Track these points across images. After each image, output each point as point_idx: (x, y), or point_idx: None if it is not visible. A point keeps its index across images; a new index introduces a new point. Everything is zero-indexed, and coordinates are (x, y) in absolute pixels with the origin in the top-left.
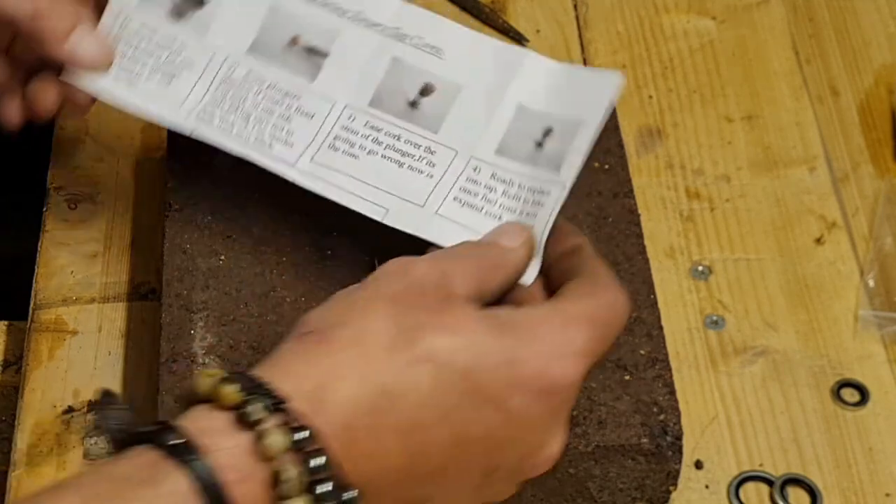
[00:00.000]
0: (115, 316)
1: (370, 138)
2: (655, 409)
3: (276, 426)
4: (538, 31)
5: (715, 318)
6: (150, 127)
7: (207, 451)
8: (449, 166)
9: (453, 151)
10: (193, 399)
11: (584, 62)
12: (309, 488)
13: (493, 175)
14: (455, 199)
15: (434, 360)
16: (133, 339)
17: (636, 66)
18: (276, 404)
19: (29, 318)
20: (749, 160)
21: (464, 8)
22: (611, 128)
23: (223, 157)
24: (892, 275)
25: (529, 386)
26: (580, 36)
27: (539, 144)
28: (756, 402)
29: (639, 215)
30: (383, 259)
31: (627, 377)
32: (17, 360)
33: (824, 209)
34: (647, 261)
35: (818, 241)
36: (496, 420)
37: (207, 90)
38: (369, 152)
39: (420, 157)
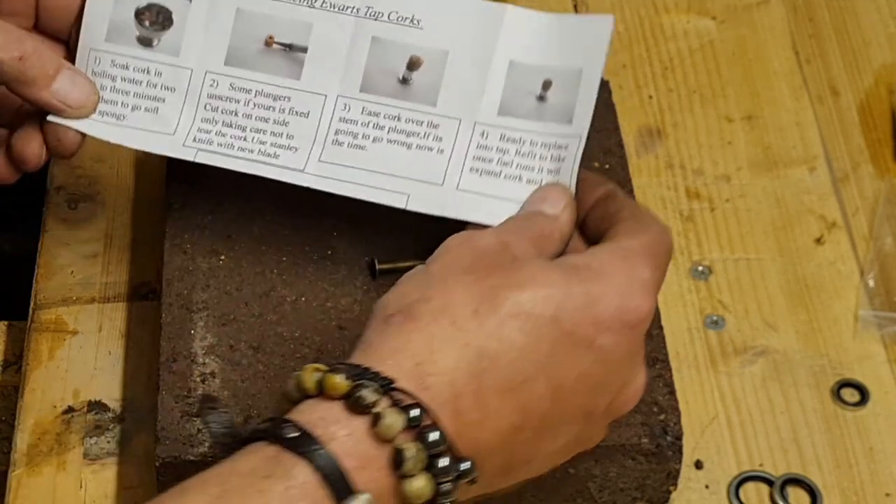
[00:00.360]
0: (115, 316)
1: (371, 125)
2: (655, 409)
3: (389, 407)
4: None
5: (715, 318)
6: None
7: (326, 441)
8: (456, 137)
9: (456, 121)
10: (298, 396)
11: None
12: (428, 464)
13: (502, 136)
14: (472, 169)
15: (522, 315)
16: (133, 339)
17: (636, 66)
18: (385, 386)
19: (29, 318)
20: (749, 160)
21: None
22: (611, 128)
23: None
24: (892, 275)
25: (612, 323)
26: None
27: (541, 98)
28: (756, 402)
29: None
30: (383, 259)
31: None
32: (17, 360)
33: (824, 209)
34: None
35: (818, 241)
36: (588, 362)
37: (196, 111)
38: (374, 140)
39: (425, 133)
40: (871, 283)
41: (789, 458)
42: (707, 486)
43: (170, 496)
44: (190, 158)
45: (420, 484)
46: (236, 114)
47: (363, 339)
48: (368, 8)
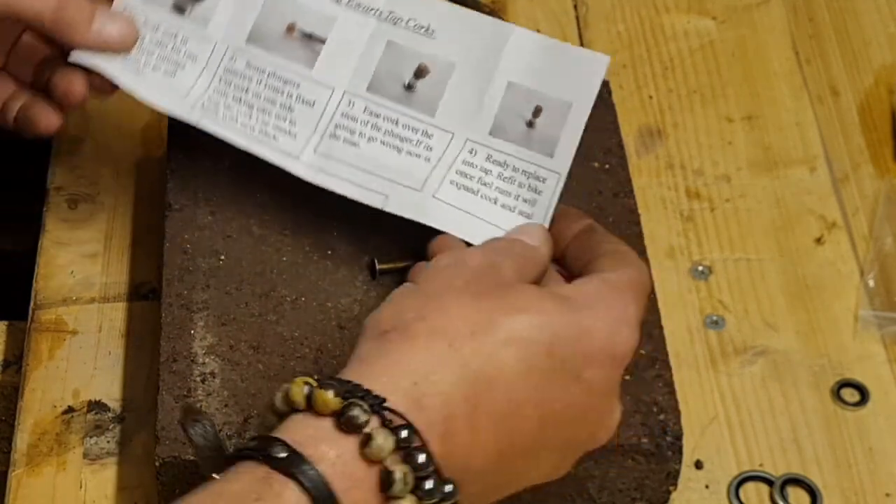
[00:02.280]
0: (115, 316)
1: (369, 124)
2: (655, 409)
3: (379, 428)
4: (538, 30)
5: (715, 318)
6: (150, 127)
7: (316, 461)
8: (445, 149)
9: (450, 134)
10: (286, 408)
11: None
12: (415, 486)
13: (488, 157)
14: (451, 182)
15: (517, 341)
16: (133, 339)
17: (636, 66)
18: (375, 405)
19: (29, 318)
20: (749, 160)
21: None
22: (611, 128)
23: (223, 156)
24: (892, 275)
25: (599, 356)
26: (580, 36)
27: (530, 124)
28: (756, 402)
29: (639, 215)
30: (383, 259)
31: (627, 377)
32: (17, 360)
33: (824, 209)
34: (647, 261)
35: (818, 241)
36: (575, 393)
37: (211, 81)
38: (369, 139)
39: (418, 141)
40: (871, 283)
41: (789, 458)
42: (707, 486)
43: None
44: (193, 122)
45: None
46: (247, 91)
47: (356, 354)
48: (391, 12)
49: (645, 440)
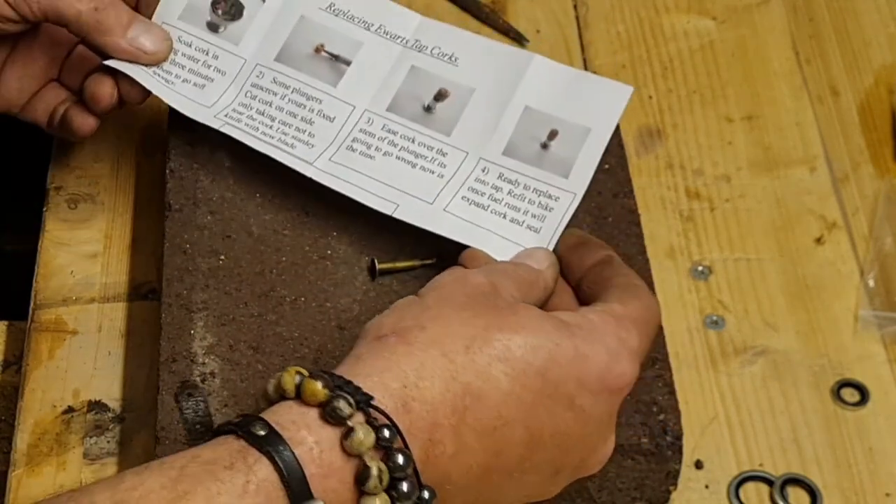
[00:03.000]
0: (115, 316)
1: (386, 140)
2: (655, 409)
3: (362, 423)
4: (538, 31)
5: (715, 318)
6: (150, 127)
7: (294, 444)
8: (459, 167)
9: (464, 153)
10: (277, 396)
11: (584, 62)
12: (390, 485)
13: (500, 175)
14: (463, 197)
15: (511, 360)
16: (133, 339)
17: (636, 66)
18: (361, 401)
19: (29, 318)
20: (749, 160)
21: (464, 8)
22: None
23: (223, 157)
24: (892, 275)
25: (594, 384)
26: (580, 36)
27: (544, 146)
28: (756, 402)
29: (639, 215)
30: (383, 259)
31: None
32: (17, 360)
33: (824, 209)
34: (647, 261)
35: (818, 241)
36: (567, 418)
37: (237, 96)
38: (385, 153)
39: (432, 158)
40: (871, 283)
41: (789, 458)
42: (707, 486)
43: (131, 473)
44: (216, 127)
45: (378, 503)
46: (271, 105)
47: (352, 353)
48: (416, 41)
49: (645, 440)
